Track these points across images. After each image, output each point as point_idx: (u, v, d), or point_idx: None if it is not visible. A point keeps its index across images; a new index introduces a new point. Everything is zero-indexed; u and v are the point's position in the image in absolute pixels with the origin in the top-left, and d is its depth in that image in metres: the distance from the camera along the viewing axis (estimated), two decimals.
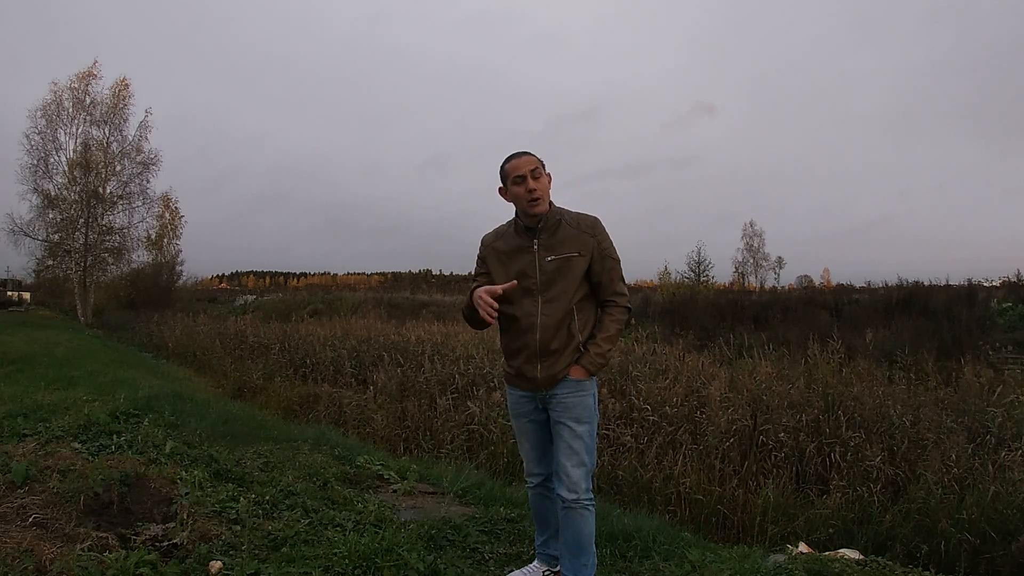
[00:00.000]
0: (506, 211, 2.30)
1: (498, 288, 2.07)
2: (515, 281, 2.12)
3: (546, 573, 2.39)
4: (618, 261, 2.22)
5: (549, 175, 2.18)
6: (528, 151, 2.18)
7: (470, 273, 2.47)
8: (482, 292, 2.06)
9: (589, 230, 2.17)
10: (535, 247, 2.16)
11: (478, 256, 2.32)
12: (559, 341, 2.13)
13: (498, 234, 2.28)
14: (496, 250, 2.25)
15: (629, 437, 5.08)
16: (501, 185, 2.21)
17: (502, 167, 2.18)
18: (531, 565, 2.44)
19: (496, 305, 2.05)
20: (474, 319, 2.17)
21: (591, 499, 2.12)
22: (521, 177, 2.12)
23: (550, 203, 2.17)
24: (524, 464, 2.37)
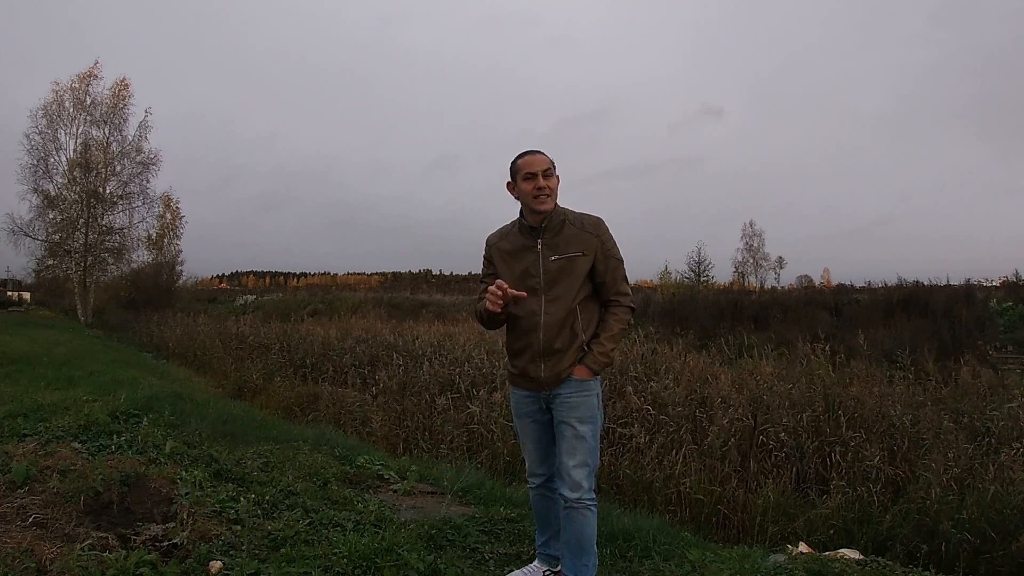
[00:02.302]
0: (510, 211, 2.33)
1: (507, 287, 2.07)
2: (524, 293, 2.13)
3: (546, 573, 2.39)
4: (621, 261, 2.25)
5: (558, 177, 2.20)
6: (542, 151, 2.19)
7: (471, 273, 2.48)
8: (492, 287, 2.07)
9: (592, 229, 2.19)
10: (539, 246, 2.18)
11: (484, 257, 2.34)
12: (562, 340, 2.15)
13: (502, 234, 2.30)
14: (501, 250, 2.27)
15: (638, 435, 5.06)
16: (510, 180, 2.22)
17: (514, 162, 2.20)
18: (531, 565, 2.44)
19: (500, 294, 2.05)
20: (487, 317, 2.17)
21: (593, 499, 2.13)
22: (532, 174, 2.14)
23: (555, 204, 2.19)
24: (526, 464, 2.38)
